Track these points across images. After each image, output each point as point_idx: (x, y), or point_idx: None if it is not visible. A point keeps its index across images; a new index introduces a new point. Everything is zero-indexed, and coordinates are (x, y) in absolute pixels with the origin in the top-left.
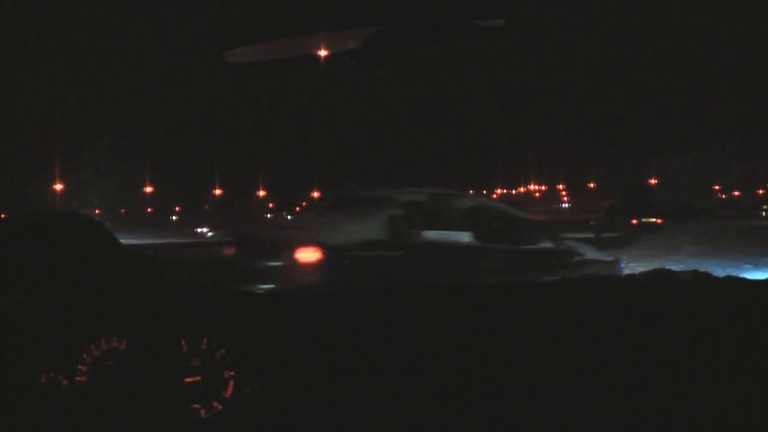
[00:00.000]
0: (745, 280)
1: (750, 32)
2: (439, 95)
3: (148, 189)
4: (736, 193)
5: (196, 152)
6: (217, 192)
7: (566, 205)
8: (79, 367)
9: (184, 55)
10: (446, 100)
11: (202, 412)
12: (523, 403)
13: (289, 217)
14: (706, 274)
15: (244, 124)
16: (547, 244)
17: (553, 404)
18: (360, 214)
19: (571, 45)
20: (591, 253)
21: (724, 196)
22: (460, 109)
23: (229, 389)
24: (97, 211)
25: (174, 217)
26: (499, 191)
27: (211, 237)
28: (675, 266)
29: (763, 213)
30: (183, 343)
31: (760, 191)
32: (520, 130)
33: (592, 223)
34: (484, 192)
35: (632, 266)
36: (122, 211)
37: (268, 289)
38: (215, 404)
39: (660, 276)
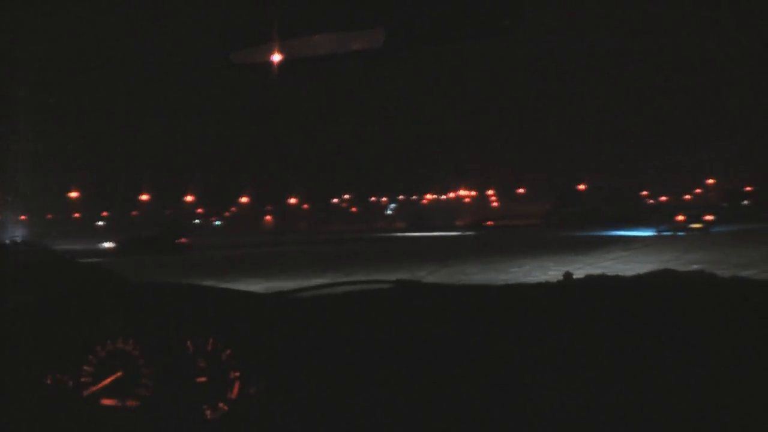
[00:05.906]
0: (750, 280)
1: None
2: (369, 96)
3: (74, 194)
4: (663, 199)
5: (122, 155)
6: (144, 197)
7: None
8: (85, 367)
9: (107, 53)
10: (375, 101)
11: (208, 412)
12: (526, 403)
13: (217, 222)
14: (712, 275)
15: (172, 127)
16: None
17: (556, 405)
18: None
19: (504, 51)
20: None
21: (652, 201)
22: (389, 112)
23: (235, 390)
24: (22, 217)
25: (100, 223)
26: (429, 197)
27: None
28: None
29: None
30: (189, 344)
31: (687, 196)
32: (452, 135)
33: None
34: (414, 197)
35: None
36: (49, 216)
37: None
38: (221, 405)
39: (665, 276)
